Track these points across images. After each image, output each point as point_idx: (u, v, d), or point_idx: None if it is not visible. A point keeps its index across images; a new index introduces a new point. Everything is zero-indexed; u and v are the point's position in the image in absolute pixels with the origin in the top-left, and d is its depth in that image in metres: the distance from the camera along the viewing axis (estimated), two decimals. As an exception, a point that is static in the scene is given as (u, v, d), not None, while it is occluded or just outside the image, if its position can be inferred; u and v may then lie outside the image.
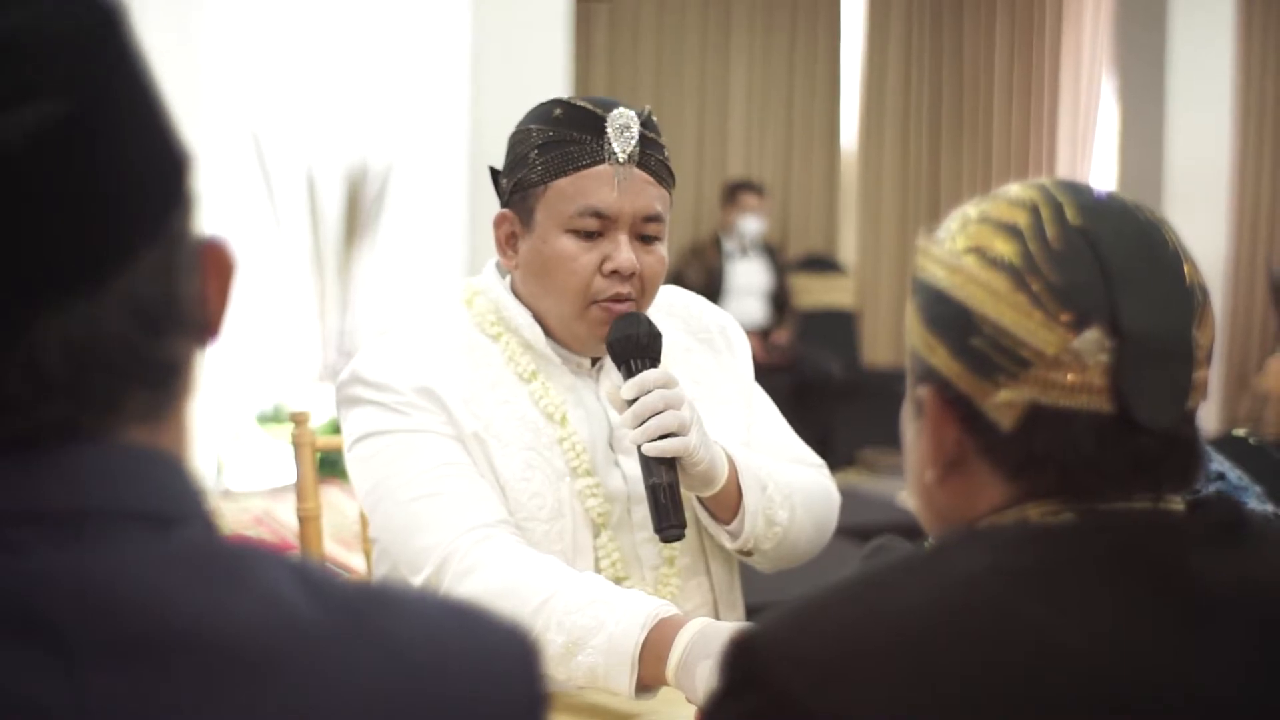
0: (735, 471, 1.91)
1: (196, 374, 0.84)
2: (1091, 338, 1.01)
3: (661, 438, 1.81)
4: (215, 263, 0.84)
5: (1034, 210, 1.06)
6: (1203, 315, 1.06)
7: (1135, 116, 8.40)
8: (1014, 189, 1.10)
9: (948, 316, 1.06)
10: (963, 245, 1.08)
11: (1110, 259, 1.03)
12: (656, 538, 1.83)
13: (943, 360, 1.06)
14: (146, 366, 0.79)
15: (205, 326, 0.84)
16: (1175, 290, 1.05)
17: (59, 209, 0.74)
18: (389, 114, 6.16)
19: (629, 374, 1.85)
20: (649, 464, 1.82)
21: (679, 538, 1.83)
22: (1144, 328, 1.02)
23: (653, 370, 1.85)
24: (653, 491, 1.81)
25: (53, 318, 0.74)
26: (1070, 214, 1.06)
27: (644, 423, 1.81)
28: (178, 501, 0.80)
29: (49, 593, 0.73)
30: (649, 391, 1.83)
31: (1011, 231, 1.06)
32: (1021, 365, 1.02)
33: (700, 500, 1.93)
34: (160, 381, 0.80)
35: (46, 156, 0.73)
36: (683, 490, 1.85)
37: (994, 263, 1.05)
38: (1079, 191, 1.09)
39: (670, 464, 1.82)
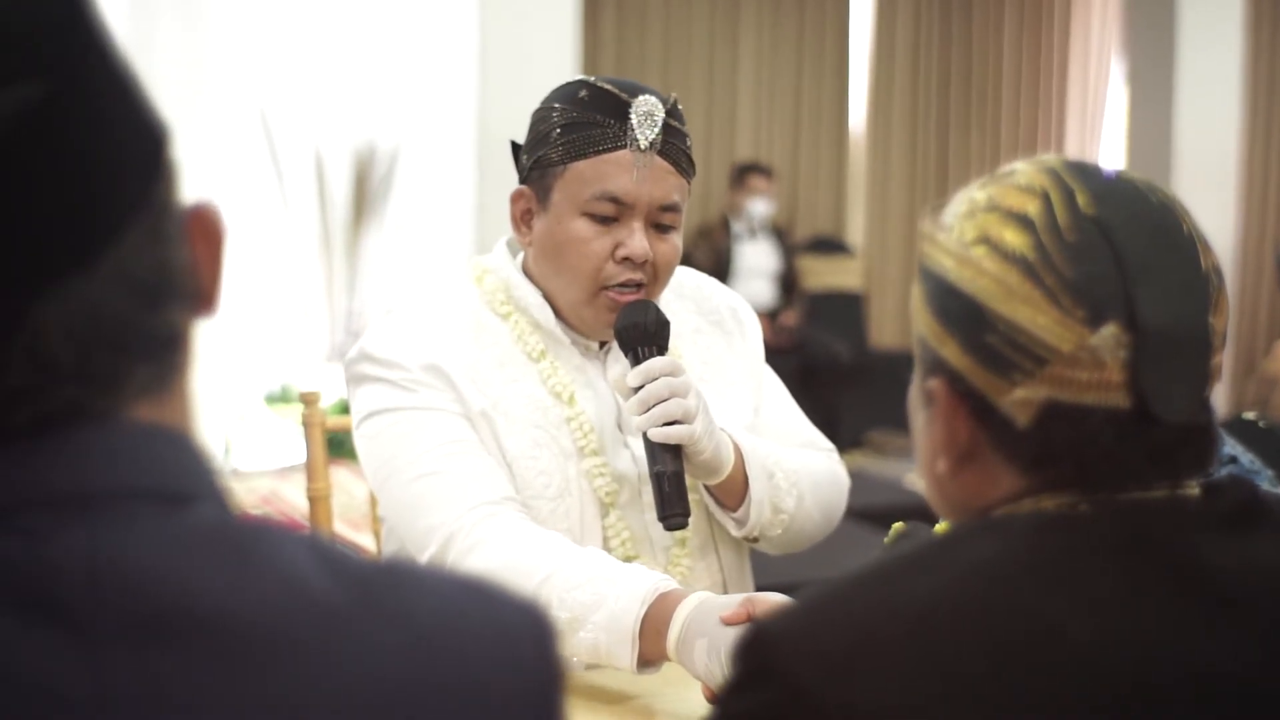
0: (742, 459, 1.92)
1: (195, 346, 0.84)
2: (1109, 334, 0.99)
3: (667, 425, 1.81)
4: (202, 228, 0.84)
5: (1045, 197, 1.04)
6: (1218, 301, 1.04)
7: (1144, 100, 8.37)
8: (1022, 172, 1.07)
9: (959, 310, 1.04)
10: (971, 235, 1.05)
11: (1125, 250, 1.01)
12: (657, 518, 1.84)
13: (954, 354, 1.04)
14: (146, 340, 0.79)
15: (200, 295, 0.84)
16: (1192, 279, 1.03)
17: (45, 190, 0.74)
18: (397, 95, 6.14)
19: (636, 361, 1.86)
20: (654, 451, 1.82)
21: (682, 526, 1.83)
22: (1162, 322, 1.00)
23: (659, 358, 1.85)
24: (657, 479, 1.82)
25: (51, 300, 0.75)
26: (1082, 201, 1.03)
27: (649, 410, 1.81)
28: (189, 479, 0.80)
29: (64, 576, 0.73)
30: (655, 379, 1.82)
31: (1022, 222, 1.03)
32: (1038, 363, 1.00)
33: (706, 487, 1.93)
34: (161, 354, 0.80)
35: (27, 139, 0.74)
36: (689, 477, 1.85)
37: (1006, 255, 1.02)
38: (1089, 175, 1.06)
39: (675, 452, 1.82)
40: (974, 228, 1.05)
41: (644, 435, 1.83)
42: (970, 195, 1.09)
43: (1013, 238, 1.03)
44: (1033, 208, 1.04)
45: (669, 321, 1.90)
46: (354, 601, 0.78)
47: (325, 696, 0.75)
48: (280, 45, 6.03)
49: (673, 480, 1.82)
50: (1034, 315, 1.01)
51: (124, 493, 0.76)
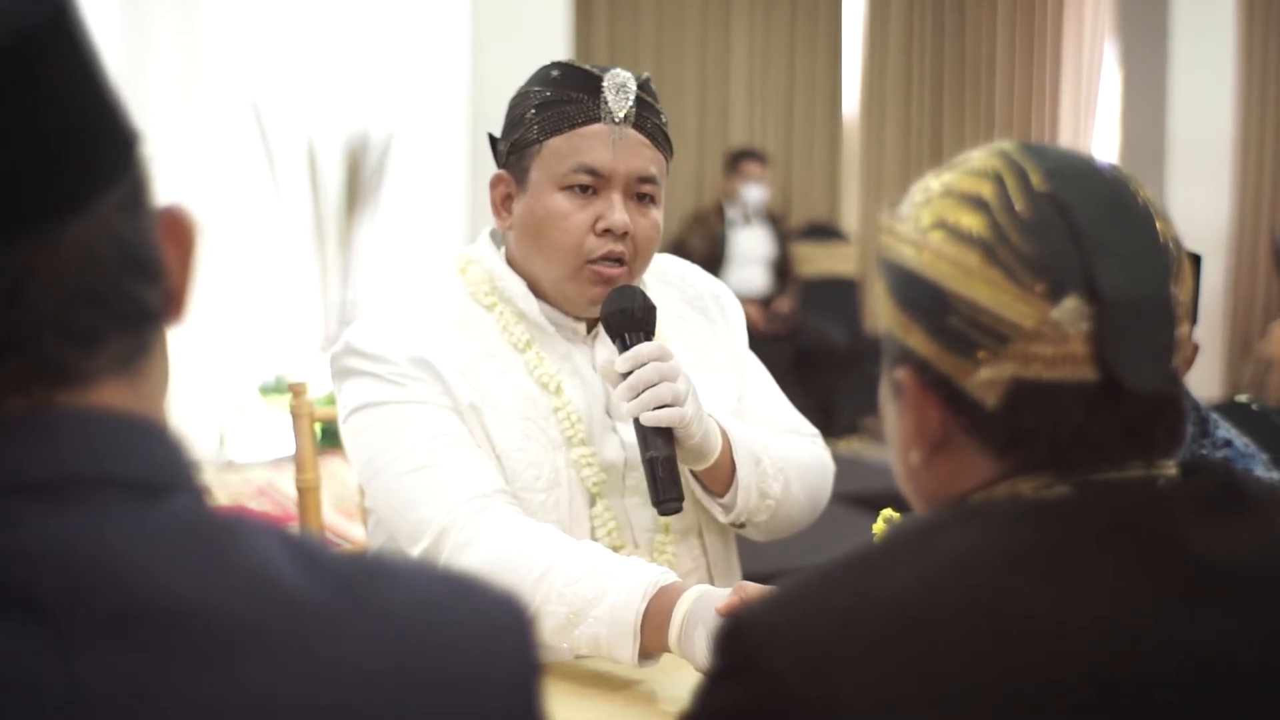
0: (729, 445, 1.91)
1: (166, 341, 0.83)
2: (1070, 307, 0.99)
3: (657, 409, 1.81)
4: (174, 230, 0.84)
5: (998, 179, 1.04)
6: (1179, 271, 1.04)
7: (1137, 83, 8.37)
8: (975, 157, 1.08)
9: (920, 297, 1.04)
10: (928, 221, 1.05)
11: (1081, 224, 1.01)
12: (651, 503, 1.83)
13: (919, 341, 1.04)
14: (123, 303, 0.79)
15: (170, 298, 0.83)
16: (1150, 249, 1.03)
17: (36, 130, 0.75)
18: (389, 83, 6.13)
19: (624, 347, 1.86)
20: (645, 436, 1.82)
21: (677, 510, 1.83)
22: (1122, 292, 1.00)
23: (647, 343, 1.85)
24: (650, 465, 1.82)
25: (36, 243, 0.75)
26: (1036, 180, 1.03)
27: (639, 395, 1.81)
28: (164, 470, 0.79)
29: (35, 567, 0.72)
30: (644, 364, 1.82)
31: (977, 204, 1.03)
32: (1001, 341, 1.00)
33: (693, 474, 1.93)
34: (135, 325, 0.80)
35: (34, 58, 0.74)
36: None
37: (963, 238, 1.02)
38: (1042, 155, 1.06)
39: (667, 436, 1.82)
40: (930, 214, 1.05)
41: (635, 421, 1.83)
42: (925, 184, 1.09)
43: (968, 219, 1.03)
44: (986, 189, 1.04)
45: (655, 306, 1.90)
46: (330, 596, 0.77)
47: (302, 691, 0.74)
48: (272, 35, 6.02)
49: (665, 465, 1.82)
50: (994, 294, 1.00)
51: (99, 481, 0.76)
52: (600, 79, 1.89)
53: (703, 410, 1.87)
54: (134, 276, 0.79)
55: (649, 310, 1.89)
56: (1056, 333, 0.99)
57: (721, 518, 1.97)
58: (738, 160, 8.03)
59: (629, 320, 1.87)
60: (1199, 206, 7.93)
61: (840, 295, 8.59)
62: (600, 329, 1.95)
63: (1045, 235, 1.01)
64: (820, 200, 9.08)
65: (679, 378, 1.84)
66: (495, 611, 0.83)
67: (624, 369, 1.84)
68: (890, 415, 1.11)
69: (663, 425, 1.82)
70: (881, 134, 9.20)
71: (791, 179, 8.99)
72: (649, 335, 1.88)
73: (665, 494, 1.82)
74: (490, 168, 2.01)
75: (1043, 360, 1.00)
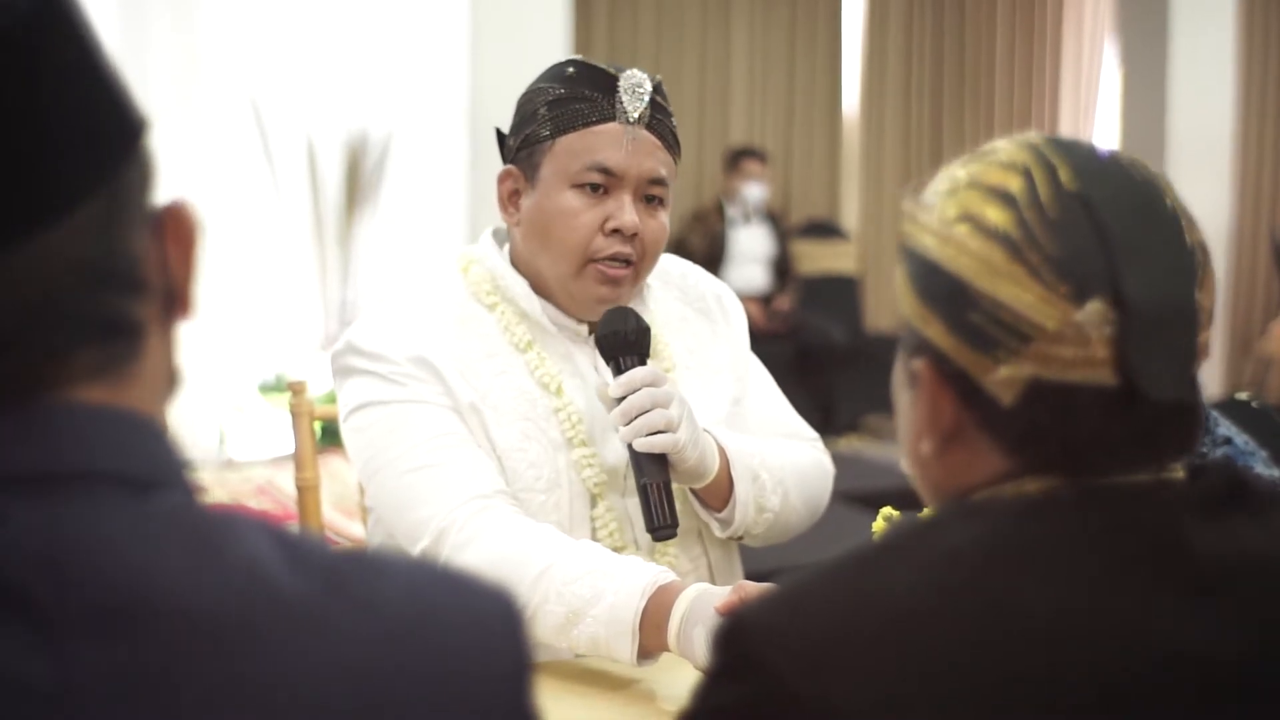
0: (727, 462, 1.91)
1: (171, 344, 0.82)
2: (1094, 310, 0.98)
3: (651, 435, 1.80)
4: (175, 227, 0.83)
5: (1027, 174, 1.02)
6: (1204, 276, 1.03)
7: (1137, 81, 8.36)
8: (1004, 149, 1.06)
9: (942, 289, 1.02)
10: (953, 213, 1.03)
11: (1109, 225, 0.99)
12: (645, 529, 1.83)
13: (938, 334, 1.03)
14: (92, 322, 0.77)
15: (172, 295, 0.82)
16: (1176, 254, 1.01)
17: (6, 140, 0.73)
18: (389, 82, 6.13)
19: (617, 370, 1.86)
20: (639, 462, 1.82)
21: (670, 537, 1.83)
22: (1147, 297, 0.98)
23: (640, 369, 1.85)
24: (644, 491, 1.82)
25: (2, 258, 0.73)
26: (1065, 177, 1.02)
27: (632, 421, 1.81)
28: (154, 465, 0.78)
29: (24, 562, 0.72)
30: (637, 389, 1.82)
31: (1004, 198, 1.02)
32: (1022, 340, 0.99)
33: (691, 490, 1.93)
34: (107, 339, 0.79)
35: None
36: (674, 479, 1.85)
37: (988, 233, 1.01)
38: (1072, 151, 1.04)
39: (661, 461, 1.82)
40: (955, 205, 1.04)
41: (629, 446, 1.83)
42: (952, 173, 1.07)
43: (995, 215, 1.01)
44: (1015, 184, 1.02)
45: (649, 328, 1.90)
46: (320, 592, 0.77)
47: (292, 687, 0.74)
48: (272, 34, 6.01)
49: (659, 491, 1.81)
50: (1018, 292, 0.99)
51: (87, 476, 0.75)
52: (616, 78, 1.89)
53: (698, 431, 1.87)
54: (108, 289, 0.78)
55: (643, 333, 1.88)
56: (1079, 335, 0.98)
57: (719, 532, 1.97)
58: (737, 158, 8.03)
59: (622, 343, 1.86)
60: (1199, 205, 7.83)
61: (840, 293, 8.58)
62: None
63: (1072, 236, 0.99)
64: (820, 198, 9.08)
65: (672, 403, 1.83)
66: (485, 606, 0.83)
67: (617, 394, 1.83)
68: (903, 403, 1.10)
69: (655, 451, 1.81)
70: (881, 132, 9.20)
71: (791, 177, 8.98)
72: (643, 358, 1.87)
73: (659, 521, 1.81)
74: (489, 167, 2.01)
75: (1062, 362, 0.98)
